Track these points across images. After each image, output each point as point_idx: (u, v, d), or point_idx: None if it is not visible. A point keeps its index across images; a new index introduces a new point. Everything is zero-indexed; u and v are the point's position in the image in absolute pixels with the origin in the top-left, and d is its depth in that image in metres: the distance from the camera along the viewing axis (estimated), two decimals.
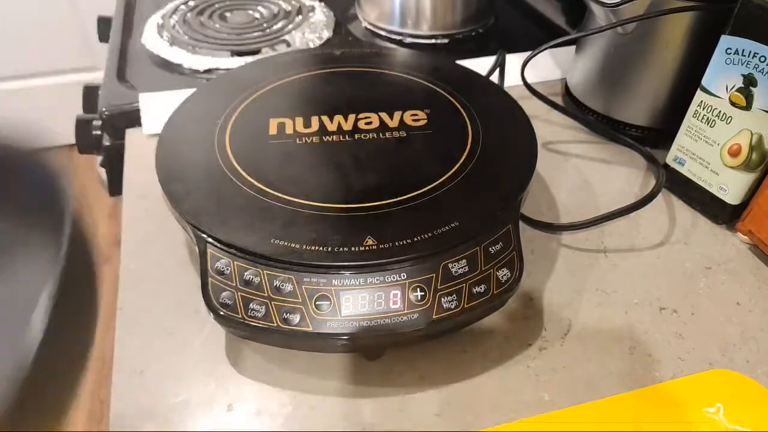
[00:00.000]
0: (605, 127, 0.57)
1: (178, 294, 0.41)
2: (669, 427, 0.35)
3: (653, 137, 0.56)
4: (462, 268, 0.36)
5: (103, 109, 0.58)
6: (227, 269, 0.35)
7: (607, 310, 0.42)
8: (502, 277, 0.37)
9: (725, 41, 0.43)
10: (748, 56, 0.42)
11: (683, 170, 0.50)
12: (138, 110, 0.58)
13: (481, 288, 0.36)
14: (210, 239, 0.36)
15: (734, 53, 0.43)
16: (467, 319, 0.37)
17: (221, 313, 0.34)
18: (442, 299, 0.35)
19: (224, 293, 0.35)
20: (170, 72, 0.66)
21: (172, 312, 0.40)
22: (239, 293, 0.35)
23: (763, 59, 0.41)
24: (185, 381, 0.37)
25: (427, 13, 0.73)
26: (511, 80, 0.59)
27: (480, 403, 0.36)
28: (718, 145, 0.46)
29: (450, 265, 0.36)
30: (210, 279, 0.35)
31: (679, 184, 0.50)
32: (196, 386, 0.36)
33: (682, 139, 0.49)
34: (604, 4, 0.51)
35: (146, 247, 0.45)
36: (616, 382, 0.37)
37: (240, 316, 0.34)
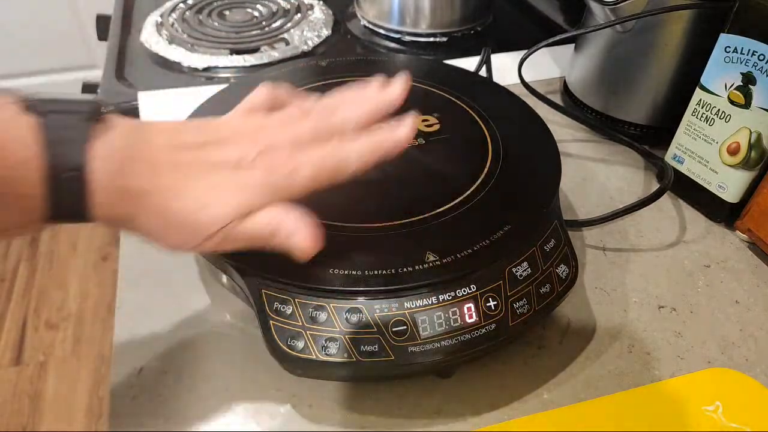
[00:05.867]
0: (604, 125, 0.57)
1: (177, 292, 0.41)
2: (668, 425, 0.35)
3: (652, 136, 0.56)
4: (525, 270, 0.35)
5: (102, 108, 0.58)
6: (288, 309, 0.33)
7: (606, 308, 0.42)
8: (561, 273, 0.37)
9: (724, 39, 0.43)
10: (747, 54, 0.42)
11: (682, 168, 0.50)
12: (137, 108, 0.58)
13: (546, 287, 0.36)
14: (264, 280, 0.34)
15: (733, 51, 0.43)
16: (537, 322, 0.36)
17: (292, 356, 0.32)
18: (514, 305, 0.34)
19: (290, 335, 0.33)
20: (169, 70, 0.66)
21: (170, 310, 0.40)
22: (308, 332, 0.32)
23: (762, 57, 0.41)
24: (184, 379, 0.36)
25: (425, 12, 0.73)
26: (509, 79, 0.59)
27: (479, 402, 0.36)
28: (717, 143, 0.46)
29: (514, 269, 0.35)
30: (271, 323, 0.33)
31: (677, 183, 0.50)
32: (194, 384, 0.36)
33: (680, 137, 0.49)
34: (603, 2, 0.51)
35: (145, 245, 0.44)
36: (615, 381, 0.37)
37: (314, 356, 0.32)
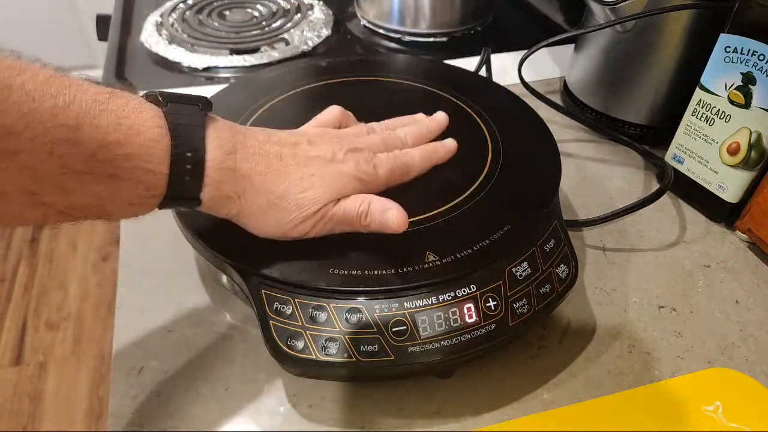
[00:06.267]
0: (604, 125, 0.57)
1: (177, 292, 0.41)
2: (668, 425, 0.35)
3: (652, 136, 0.56)
4: (525, 270, 0.35)
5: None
6: (288, 309, 0.33)
7: (606, 308, 0.42)
8: (561, 273, 0.37)
9: (724, 39, 0.43)
10: (747, 54, 0.42)
11: (682, 168, 0.50)
12: None
13: (546, 288, 0.36)
14: (264, 279, 0.34)
15: (733, 51, 0.43)
16: (537, 322, 0.36)
17: (292, 356, 0.32)
18: (514, 305, 0.34)
19: (290, 335, 0.32)
20: (169, 70, 0.66)
21: (170, 310, 0.40)
22: (307, 332, 0.32)
23: (762, 57, 0.41)
24: (184, 379, 0.36)
25: (425, 12, 0.73)
26: (509, 79, 0.59)
27: (479, 402, 0.36)
28: (717, 143, 0.46)
29: (514, 270, 0.35)
30: (271, 323, 0.33)
31: (677, 183, 0.50)
32: (194, 384, 0.36)
33: (680, 137, 0.49)
34: (603, 2, 0.51)
35: (145, 245, 0.45)
36: (615, 381, 0.37)
37: (314, 356, 0.32)
